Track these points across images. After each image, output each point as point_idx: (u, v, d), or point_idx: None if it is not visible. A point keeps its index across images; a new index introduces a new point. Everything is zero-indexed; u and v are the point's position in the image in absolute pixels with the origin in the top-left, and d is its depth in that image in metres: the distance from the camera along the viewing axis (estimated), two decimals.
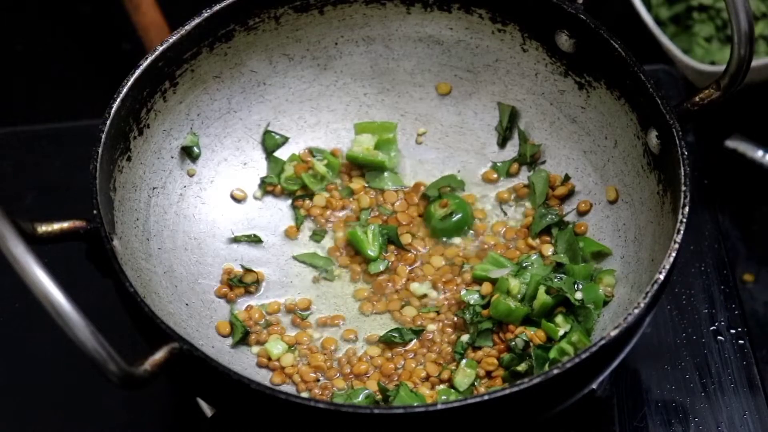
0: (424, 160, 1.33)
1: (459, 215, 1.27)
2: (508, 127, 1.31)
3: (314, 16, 1.28)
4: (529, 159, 1.30)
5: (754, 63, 1.42)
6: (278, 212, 1.30)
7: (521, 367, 1.15)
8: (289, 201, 1.31)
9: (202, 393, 1.10)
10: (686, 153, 1.11)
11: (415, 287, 1.24)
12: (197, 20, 1.20)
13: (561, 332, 1.16)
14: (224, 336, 1.21)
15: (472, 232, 1.28)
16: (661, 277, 1.06)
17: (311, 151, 1.31)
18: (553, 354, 1.15)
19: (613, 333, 1.02)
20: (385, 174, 1.31)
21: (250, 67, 1.28)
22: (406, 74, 1.32)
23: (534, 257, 1.23)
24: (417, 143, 1.33)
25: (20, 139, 1.45)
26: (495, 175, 1.31)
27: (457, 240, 1.27)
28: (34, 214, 1.07)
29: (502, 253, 1.25)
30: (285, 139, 1.31)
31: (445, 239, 1.28)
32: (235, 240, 1.27)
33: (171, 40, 1.19)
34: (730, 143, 1.58)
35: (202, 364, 1.00)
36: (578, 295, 1.18)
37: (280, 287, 1.25)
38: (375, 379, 1.18)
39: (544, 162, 1.30)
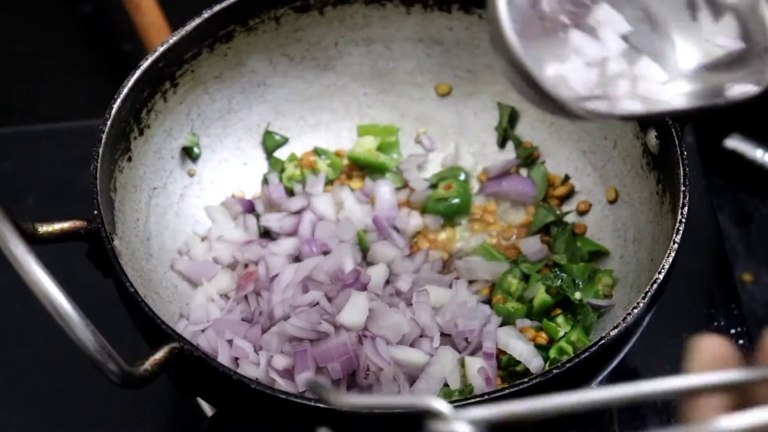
0: None
1: (455, 200, 1.27)
2: (508, 127, 1.31)
3: (314, 16, 1.28)
4: (528, 160, 1.30)
5: None
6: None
7: (521, 367, 1.15)
8: None
9: (202, 393, 1.10)
10: (686, 153, 1.11)
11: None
12: (197, 21, 1.20)
13: (561, 332, 1.16)
14: None
15: (469, 225, 1.28)
16: (661, 277, 1.06)
17: (316, 151, 1.31)
18: (552, 354, 1.14)
19: (613, 333, 1.02)
20: (387, 175, 1.30)
21: (251, 67, 1.28)
22: (406, 75, 1.32)
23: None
24: (417, 143, 1.33)
25: (20, 139, 1.45)
26: None
27: (455, 235, 1.27)
28: (35, 214, 1.07)
29: (501, 251, 1.25)
30: (285, 140, 1.31)
31: (440, 221, 1.27)
32: None
33: (171, 41, 1.19)
34: (730, 143, 1.58)
35: (202, 364, 1.00)
36: (578, 295, 1.18)
37: None
38: None
39: (543, 162, 1.30)
